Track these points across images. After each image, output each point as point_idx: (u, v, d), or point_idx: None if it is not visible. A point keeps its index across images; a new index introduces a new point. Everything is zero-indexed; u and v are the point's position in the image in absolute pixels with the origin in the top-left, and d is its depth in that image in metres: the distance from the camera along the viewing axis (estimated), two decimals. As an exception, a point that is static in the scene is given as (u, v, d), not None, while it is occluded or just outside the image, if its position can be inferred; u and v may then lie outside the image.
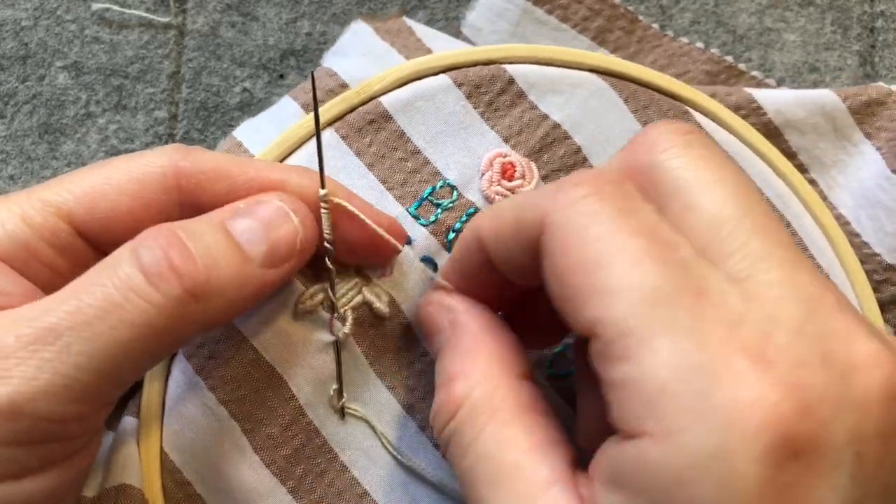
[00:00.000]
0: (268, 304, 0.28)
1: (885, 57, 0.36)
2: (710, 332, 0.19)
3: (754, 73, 0.35)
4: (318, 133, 0.28)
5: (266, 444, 0.28)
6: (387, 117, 0.30)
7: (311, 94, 0.31)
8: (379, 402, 0.29)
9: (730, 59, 0.35)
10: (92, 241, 0.25)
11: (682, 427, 0.18)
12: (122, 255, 0.23)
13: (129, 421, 0.28)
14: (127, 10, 0.36)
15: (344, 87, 0.31)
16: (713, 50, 0.35)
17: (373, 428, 0.29)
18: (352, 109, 0.30)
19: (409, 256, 0.29)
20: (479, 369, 0.24)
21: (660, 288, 0.19)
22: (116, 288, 0.22)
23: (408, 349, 0.29)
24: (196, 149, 0.26)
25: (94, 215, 0.25)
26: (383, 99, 0.30)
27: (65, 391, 0.21)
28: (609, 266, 0.20)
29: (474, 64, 0.31)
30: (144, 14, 0.36)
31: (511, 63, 0.31)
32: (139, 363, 0.23)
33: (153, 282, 0.22)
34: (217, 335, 0.28)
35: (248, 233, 0.24)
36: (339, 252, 0.27)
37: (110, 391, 0.23)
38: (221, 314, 0.24)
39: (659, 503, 0.19)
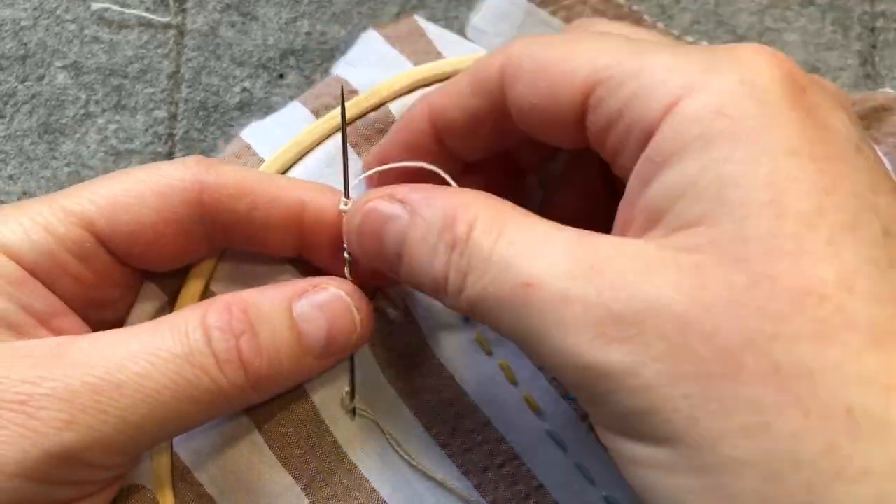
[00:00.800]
0: None
1: (885, 57, 0.36)
2: None
3: None
4: (344, 151, 0.28)
5: (281, 441, 0.28)
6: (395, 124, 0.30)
7: (321, 99, 0.31)
8: (389, 404, 0.29)
9: None
10: (113, 252, 0.25)
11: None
12: (191, 324, 0.24)
13: None
14: (126, 10, 0.36)
15: (353, 93, 0.31)
16: None
17: (381, 429, 0.29)
18: (361, 115, 0.30)
19: None
20: (473, 198, 0.23)
21: None
22: (188, 364, 0.23)
23: (419, 354, 0.29)
24: (218, 162, 0.26)
25: (116, 227, 0.25)
26: (391, 105, 0.30)
27: (118, 445, 0.23)
28: None
29: None
30: (144, 14, 0.36)
31: None
32: (186, 428, 0.25)
33: (222, 367, 0.23)
34: None
35: (310, 324, 0.25)
36: (357, 266, 0.27)
37: (152, 446, 0.26)
38: (271, 396, 0.26)
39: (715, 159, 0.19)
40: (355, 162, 0.30)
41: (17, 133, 0.35)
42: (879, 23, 0.36)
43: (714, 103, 0.20)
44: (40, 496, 0.22)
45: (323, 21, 0.36)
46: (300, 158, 0.30)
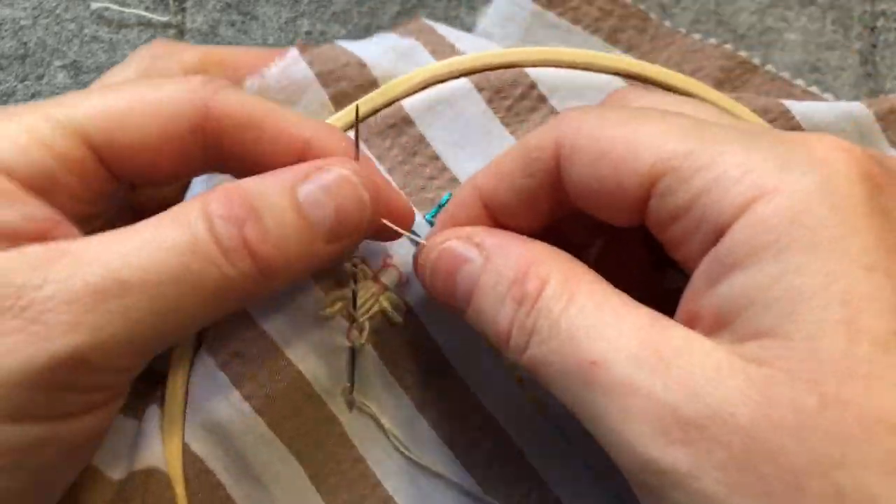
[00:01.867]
0: (290, 304, 0.29)
1: (886, 56, 0.36)
2: None
3: (768, 67, 0.35)
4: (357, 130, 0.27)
5: (290, 433, 0.29)
6: (408, 121, 0.30)
7: (340, 84, 0.30)
8: (393, 400, 0.29)
9: (744, 53, 0.35)
10: (108, 167, 0.24)
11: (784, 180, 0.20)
12: (193, 213, 0.22)
13: (153, 410, 0.28)
14: (126, 10, 0.36)
15: (373, 84, 0.30)
16: (727, 45, 0.35)
17: (379, 424, 0.29)
18: (375, 111, 0.30)
19: None
20: (549, 255, 0.23)
21: None
22: (192, 254, 0.22)
23: (422, 352, 0.30)
24: (225, 85, 0.25)
25: (113, 143, 0.24)
26: (405, 102, 0.30)
27: (125, 346, 0.22)
28: None
29: (496, 67, 0.30)
30: (143, 13, 0.36)
31: (533, 66, 0.31)
32: (196, 325, 0.24)
33: (229, 256, 0.22)
34: (241, 335, 0.29)
35: (316, 206, 0.24)
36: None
37: (162, 347, 0.24)
38: (282, 287, 0.24)
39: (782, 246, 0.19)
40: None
41: (17, 132, 0.35)
42: (880, 22, 0.36)
43: (790, 208, 0.19)
44: (48, 404, 0.21)
45: (323, 21, 0.36)
46: None
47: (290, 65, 0.30)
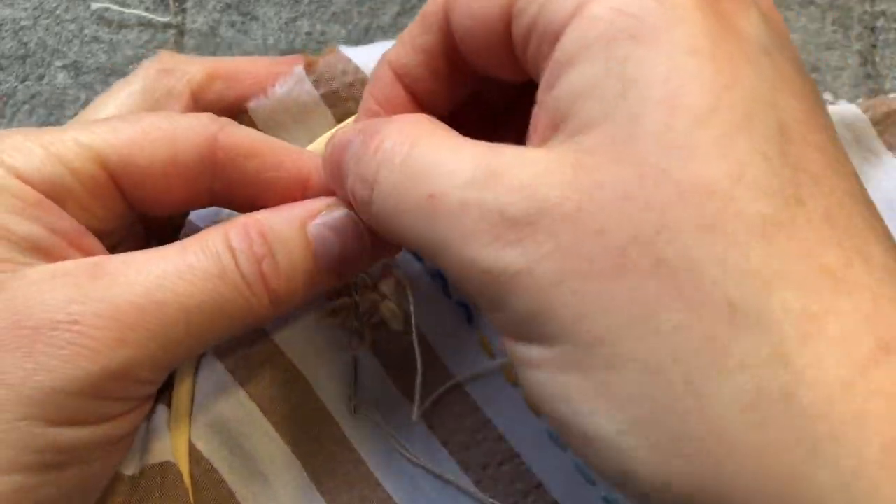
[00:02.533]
0: (295, 312, 0.30)
1: (885, 56, 0.36)
2: None
3: None
4: None
5: (293, 433, 0.29)
6: None
7: (332, 85, 0.30)
8: (392, 404, 0.30)
9: None
10: (122, 191, 0.26)
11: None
12: (219, 245, 0.24)
13: (161, 409, 0.29)
14: (126, 10, 0.36)
15: (359, 71, 0.30)
16: None
17: (382, 428, 0.30)
18: None
19: (418, 271, 0.30)
20: (406, 117, 0.23)
21: None
22: (222, 283, 0.24)
23: (421, 356, 0.30)
24: (229, 122, 0.27)
25: (128, 166, 0.25)
26: None
27: (163, 360, 0.24)
28: None
29: None
30: (144, 13, 0.36)
31: None
32: (217, 342, 0.26)
33: (250, 287, 0.25)
34: (248, 339, 0.29)
35: (324, 244, 0.26)
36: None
37: (189, 359, 0.27)
38: (284, 313, 0.27)
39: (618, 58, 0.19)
40: None
41: (17, 133, 0.36)
42: (880, 22, 0.36)
43: (619, 4, 0.20)
44: (95, 411, 0.23)
45: (323, 21, 0.36)
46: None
47: (296, 86, 0.30)
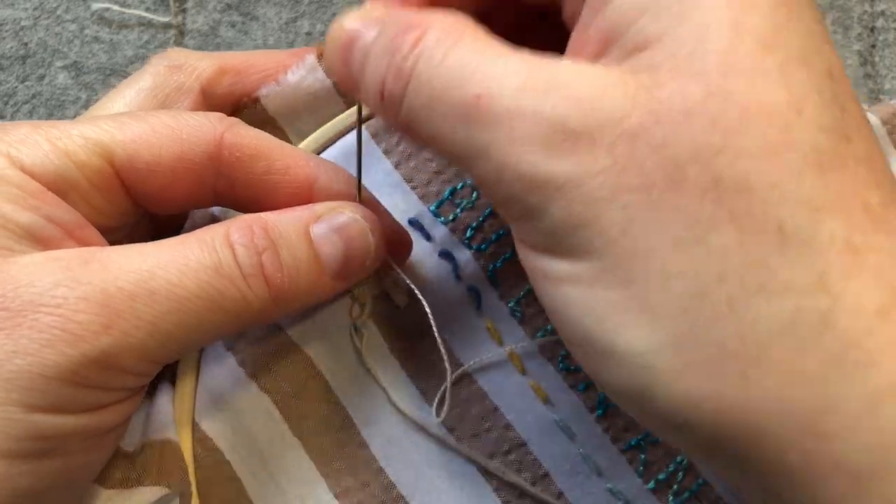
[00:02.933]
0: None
1: (885, 56, 0.36)
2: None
3: None
4: (358, 155, 0.28)
5: (296, 416, 0.29)
6: None
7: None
8: (398, 385, 0.30)
9: None
10: (128, 188, 0.26)
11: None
12: (217, 239, 0.24)
13: (165, 386, 0.29)
14: (127, 10, 0.36)
15: None
16: None
17: (381, 386, 0.30)
18: None
19: (427, 251, 0.30)
20: (439, 12, 0.22)
21: None
22: (217, 275, 0.24)
23: (427, 341, 0.30)
24: (237, 122, 0.27)
25: (134, 163, 0.25)
26: None
27: (151, 351, 0.23)
28: None
29: None
30: (144, 14, 0.36)
31: None
32: (211, 340, 0.26)
33: (248, 281, 0.24)
34: (260, 331, 0.29)
35: (328, 244, 0.25)
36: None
37: (178, 357, 0.27)
38: (289, 314, 0.26)
39: None
40: (373, 154, 0.30)
41: (18, 133, 0.36)
42: (879, 22, 0.36)
43: None
44: (76, 399, 0.22)
45: (323, 21, 0.36)
46: (326, 147, 0.30)
47: (308, 74, 0.30)
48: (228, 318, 0.24)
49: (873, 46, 0.36)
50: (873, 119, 0.32)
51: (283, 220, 0.25)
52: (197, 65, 0.29)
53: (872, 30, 0.36)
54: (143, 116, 0.26)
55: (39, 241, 0.23)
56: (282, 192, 0.26)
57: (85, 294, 0.22)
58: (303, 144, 0.30)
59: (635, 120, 0.19)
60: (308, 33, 0.36)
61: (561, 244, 0.20)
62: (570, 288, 0.20)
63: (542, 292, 0.21)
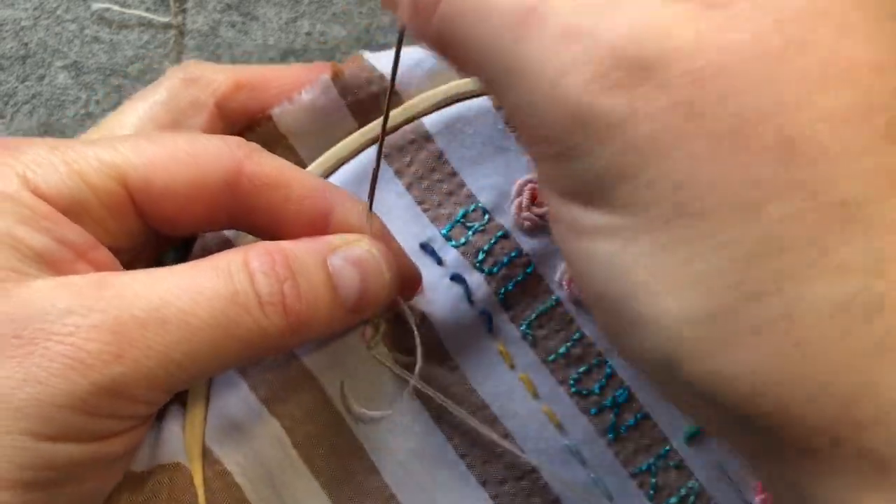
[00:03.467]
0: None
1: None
2: None
3: None
4: (377, 165, 0.28)
5: (305, 440, 0.29)
6: (427, 138, 0.30)
7: (359, 95, 0.31)
8: (409, 410, 0.30)
9: None
10: (142, 211, 0.25)
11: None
12: (234, 265, 0.24)
13: (175, 409, 0.29)
14: (127, 10, 0.36)
15: (381, 78, 0.31)
16: None
17: (392, 370, 0.30)
18: (395, 128, 0.30)
19: (438, 275, 0.30)
20: None
21: None
22: (232, 304, 0.23)
23: (440, 364, 0.30)
24: (257, 148, 0.26)
25: (149, 187, 0.25)
26: (425, 119, 0.30)
27: (161, 381, 0.23)
28: None
29: None
30: (144, 14, 0.36)
31: None
32: (223, 370, 0.26)
33: (265, 309, 0.24)
34: (275, 360, 0.29)
35: (345, 277, 0.25)
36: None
37: (189, 386, 0.26)
38: (305, 344, 0.27)
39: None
40: (384, 175, 0.30)
41: (18, 133, 0.36)
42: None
43: None
44: (86, 428, 0.22)
45: (323, 21, 0.36)
46: (339, 167, 0.30)
47: (321, 94, 0.30)
48: (242, 347, 0.24)
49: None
50: None
51: (302, 250, 0.25)
52: (213, 78, 0.29)
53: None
54: (160, 139, 0.26)
55: (51, 263, 0.23)
56: (298, 221, 0.26)
57: (96, 322, 0.22)
58: (314, 165, 0.30)
59: (705, 61, 0.17)
60: (308, 33, 0.36)
61: (601, 192, 0.18)
62: (602, 243, 0.18)
63: (567, 245, 0.19)
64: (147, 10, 0.36)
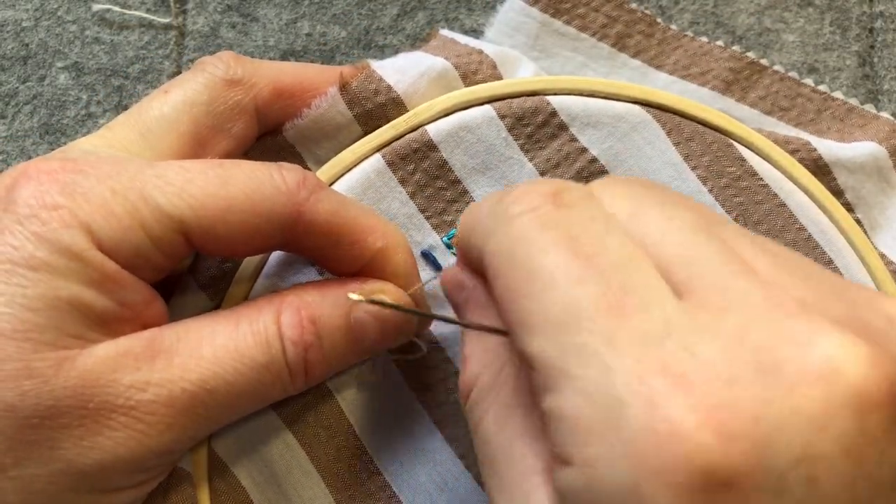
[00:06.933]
0: None
1: (884, 57, 0.36)
2: (624, 352, 0.17)
3: (776, 67, 0.35)
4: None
5: (311, 441, 0.29)
6: (431, 146, 0.31)
7: (365, 105, 0.31)
8: (423, 431, 0.30)
9: (752, 55, 0.35)
10: (196, 246, 0.26)
11: (599, 459, 0.17)
12: (270, 333, 0.26)
13: None
14: (127, 11, 0.36)
15: (398, 104, 0.31)
16: (735, 47, 0.35)
17: (406, 382, 0.30)
18: (399, 136, 0.31)
19: (438, 283, 0.30)
20: (489, 350, 0.23)
21: (572, 309, 0.18)
22: (267, 372, 0.26)
23: (451, 386, 0.30)
24: (317, 187, 0.26)
25: (207, 236, 0.25)
26: (429, 127, 0.31)
27: (198, 438, 0.26)
28: (528, 294, 0.19)
29: (518, 95, 0.31)
30: (145, 15, 0.36)
31: (555, 94, 0.31)
32: (244, 415, 0.28)
33: (293, 376, 0.26)
34: None
35: (364, 330, 0.27)
36: None
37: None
38: None
39: None
40: (388, 183, 0.31)
41: (19, 134, 0.36)
42: (878, 23, 0.36)
43: None
44: (133, 481, 0.25)
45: (323, 22, 0.36)
46: (342, 175, 0.31)
47: (330, 107, 0.31)
48: (265, 402, 0.27)
49: (872, 47, 0.36)
50: (875, 148, 0.32)
51: (329, 307, 0.27)
52: (254, 82, 0.29)
53: (871, 31, 0.36)
54: (217, 178, 0.25)
55: (111, 326, 0.25)
56: (344, 259, 0.27)
57: (154, 397, 0.24)
58: (319, 172, 0.31)
59: None
60: (308, 34, 0.36)
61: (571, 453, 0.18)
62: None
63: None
64: (148, 11, 0.36)
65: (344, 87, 0.31)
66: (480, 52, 0.32)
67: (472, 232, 0.23)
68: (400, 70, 0.31)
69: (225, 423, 0.27)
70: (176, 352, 0.25)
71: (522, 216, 0.20)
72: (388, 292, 0.27)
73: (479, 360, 0.23)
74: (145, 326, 0.26)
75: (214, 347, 0.25)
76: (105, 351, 0.24)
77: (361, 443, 0.30)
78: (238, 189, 0.25)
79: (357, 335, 0.27)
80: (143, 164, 0.26)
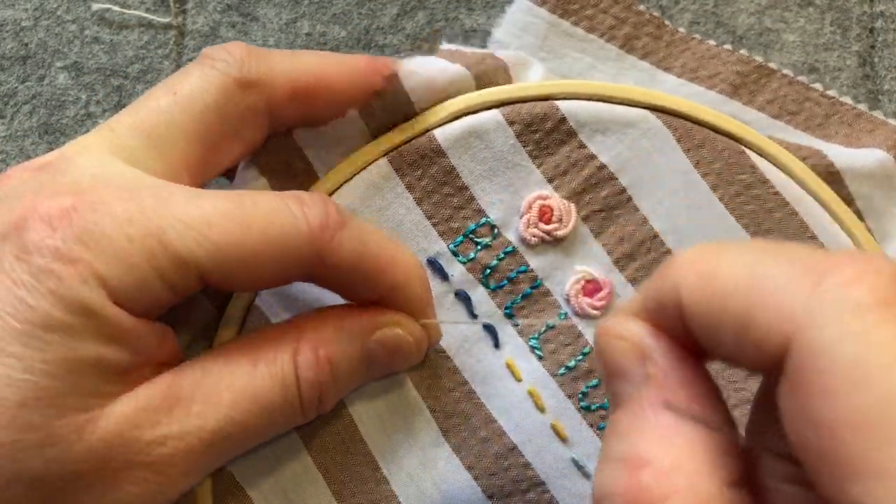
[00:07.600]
0: None
1: (884, 57, 0.36)
2: None
3: (785, 70, 0.35)
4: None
5: (318, 448, 0.29)
6: (439, 152, 0.31)
7: (382, 120, 0.31)
8: (419, 423, 0.30)
9: (759, 58, 0.35)
10: (212, 284, 0.25)
11: None
12: (287, 372, 0.26)
13: None
14: (127, 11, 0.36)
15: (414, 113, 0.31)
16: (742, 51, 0.35)
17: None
18: (407, 141, 0.31)
19: (444, 291, 0.30)
20: (683, 468, 0.17)
21: None
22: (281, 412, 0.26)
23: (449, 378, 0.30)
24: (340, 225, 0.25)
25: (226, 278, 0.25)
26: (437, 133, 0.31)
27: (204, 477, 0.27)
28: (881, 431, 0.15)
29: (527, 100, 0.31)
30: (144, 14, 0.36)
31: (565, 99, 0.31)
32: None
33: (305, 412, 0.27)
34: None
35: (376, 361, 0.28)
36: None
37: None
38: None
39: None
40: (395, 189, 0.31)
41: (18, 133, 0.36)
42: (878, 23, 0.36)
43: None
44: None
45: (323, 22, 0.36)
46: (349, 179, 0.31)
47: (346, 128, 0.30)
48: (275, 434, 0.28)
49: (872, 47, 0.36)
50: (884, 156, 0.32)
51: (345, 344, 0.27)
52: (270, 84, 0.27)
53: (871, 31, 0.36)
54: (235, 217, 0.24)
55: (129, 376, 0.25)
56: (364, 293, 0.27)
57: (173, 450, 0.24)
58: (327, 177, 0.30)
59: None
60: (308, 34, 0.36)
61: None
62: None
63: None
64: (147, 10, 0.36)
65: (364, 107, 0.30)
66: (492, 55, 0.32)
67: (749, 304, 0.17)
68: (427, 85, 0.31)
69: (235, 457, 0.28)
70: (193, 399, 0.25)
71: (876, 312, 0.15)
72: (403, 325, 0.28)
73: (665, 476, 0.17)
74: (161, 365, 0.25)
75: (233, 392, 0.25)
76: (124, 408, 0.24)
77: (369, 449, 0.30)
78: (259, 233, 0.24)
79: (369, 364, 0.28)
80: (157, 194, 0.24)
